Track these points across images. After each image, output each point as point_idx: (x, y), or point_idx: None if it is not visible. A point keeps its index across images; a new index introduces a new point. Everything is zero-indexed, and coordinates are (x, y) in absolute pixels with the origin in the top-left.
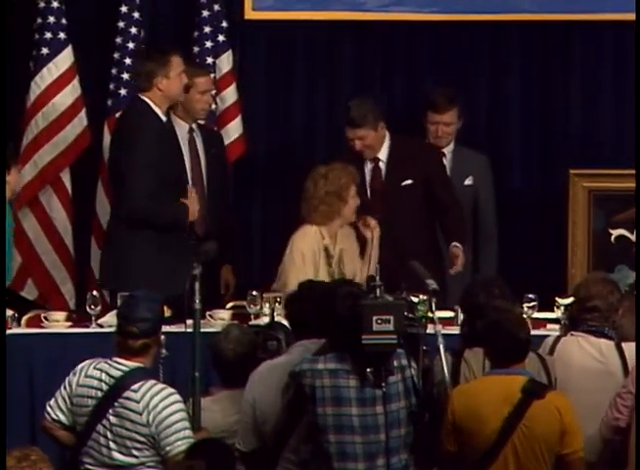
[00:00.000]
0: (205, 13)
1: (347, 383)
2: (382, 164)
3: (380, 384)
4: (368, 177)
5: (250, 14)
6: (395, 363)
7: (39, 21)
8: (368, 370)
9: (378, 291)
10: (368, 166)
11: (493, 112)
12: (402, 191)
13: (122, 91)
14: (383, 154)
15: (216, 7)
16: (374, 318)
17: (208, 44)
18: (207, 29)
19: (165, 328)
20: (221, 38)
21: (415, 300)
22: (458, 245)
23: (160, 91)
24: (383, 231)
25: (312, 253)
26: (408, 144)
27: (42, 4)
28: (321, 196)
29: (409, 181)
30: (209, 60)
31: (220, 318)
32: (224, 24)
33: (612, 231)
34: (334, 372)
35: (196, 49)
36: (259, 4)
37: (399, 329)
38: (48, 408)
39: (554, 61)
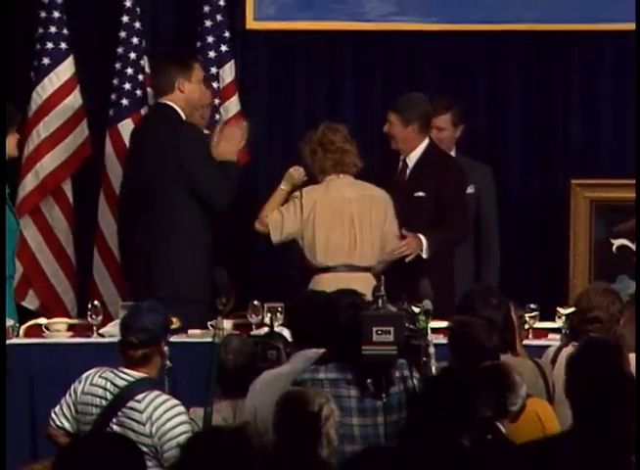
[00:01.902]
0: (208, 23)
1: (348, 393)
2: (407, 171)
3: (380, 394)
4: (396, 178)
5: (251, 24)
6: (397, 374)
7: (40, 31)
8: (368, 381)
9: (380, 301)
10: (399, 167)
11: (493, 121)
12: (413, 201)
13: (124, 101)
14: (412, 160)
15: (219, 17)
16: (374, 329)
17: (212, 54)
18: (210, 39)
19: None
20: (224, 48)
21: (416, 310)
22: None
23: (182, 93)
24: None
25: None
26: (438, 156)
27: (43, 14)
28: (348, 145)
29: (421, 193)
30: (213, 70)
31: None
32: (227, 35)
33: (613, 241)
34: (335, 382)
35: None
36: (261, 14)
37: (399, 340)
38: (53, 415)
39: (553, 71)
